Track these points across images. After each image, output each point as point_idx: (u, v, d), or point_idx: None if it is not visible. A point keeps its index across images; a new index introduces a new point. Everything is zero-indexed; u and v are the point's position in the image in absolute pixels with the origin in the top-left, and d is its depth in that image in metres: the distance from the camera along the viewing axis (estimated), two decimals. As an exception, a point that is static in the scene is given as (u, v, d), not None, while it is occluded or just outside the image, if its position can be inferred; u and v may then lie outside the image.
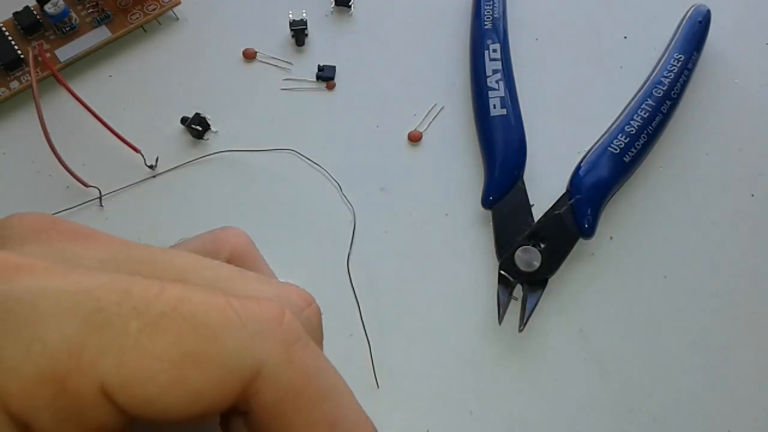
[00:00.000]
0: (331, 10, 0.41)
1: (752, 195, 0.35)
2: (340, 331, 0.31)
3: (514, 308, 0.32)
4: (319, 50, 0.39)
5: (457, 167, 0.36)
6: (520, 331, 0.32)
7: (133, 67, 0.39)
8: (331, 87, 0.38)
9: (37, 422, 0.15)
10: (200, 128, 0.36)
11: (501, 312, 0.32)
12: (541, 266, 0.32)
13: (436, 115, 0.38)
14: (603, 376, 0.31)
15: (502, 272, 0.32)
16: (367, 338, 0.31)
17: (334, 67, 0.39)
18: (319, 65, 0.38)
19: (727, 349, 0.32)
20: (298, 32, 0.39)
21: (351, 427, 0.18)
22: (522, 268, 0.32)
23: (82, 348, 0.15)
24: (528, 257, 0.32)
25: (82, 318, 0.15)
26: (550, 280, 0.32)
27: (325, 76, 0.38)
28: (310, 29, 0.40)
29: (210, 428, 0.21)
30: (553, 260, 0.32)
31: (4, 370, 0.15)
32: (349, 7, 0.40)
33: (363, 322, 0.31)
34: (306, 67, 0.39)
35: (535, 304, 0.32)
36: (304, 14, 0.39)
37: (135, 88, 0.38)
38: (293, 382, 0.17)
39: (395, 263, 0.34)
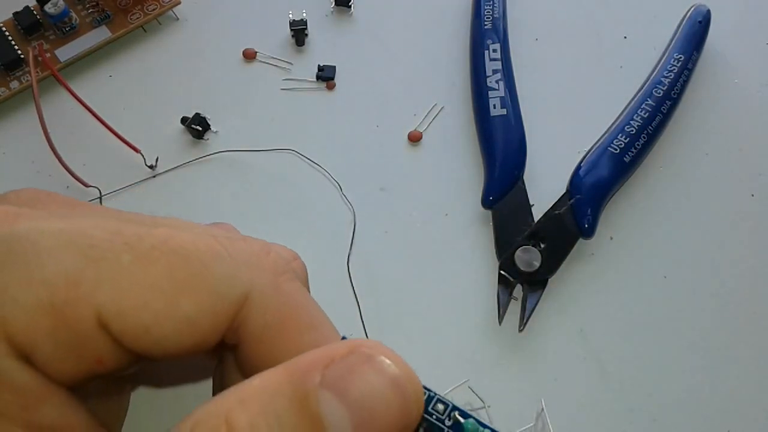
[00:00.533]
0: (331, 10, 0.41)
1: (752, 195, 0.35)
2: (340, 330, 0.31)
3: (514, 308, 0.32)
4: (319, 50, 0.39)
5: (457, 167, 0.36)
6: (520, 331, 0.32)
7: (133, 67, 0.39)
8: (331, 87, 0.38)
9: (38, 351, 0.15)
10: (200, 128, 0.36)
11: (501, 312, 0.32)
12: (541, 266, 0.32)
13: (436, 115, 0.38)
14: (603, 376, 0.31)
15: (502, 272, 0.32)
16: (367, 338, 0.31)
17: (334, 67, 0.39)
18: (319, 65, 0.38)
19: (727, 349, 0.32)
20: (298, 32, 0.39)
21: (329, 349, 0.17)
22: (522, 268, 0.32)
23: (79, 279, 0.16)
24: (528, 257, 0.32)
25: (78, 252, 0.16)
26: (550, 280, 0.32)
27: (325, 76, 0.38)
28: (310, 29, 0.40)
29: (202, 371, 0.22)
30: (553, 260, 0.32)
31: (8, 301, 0.15)
32: (349, 7, 0.40)
33: (363, 322, 0.31)
34: (306, 67, 0.39)
35: (535, 304, 0.32)
36: (304, 14, 0.39)
37: (135, 88, 0.38)
38: (280, 309, 0.17)
39: (395, 263, 0.34)
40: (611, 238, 0.34)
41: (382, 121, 0.37)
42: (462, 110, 0.38)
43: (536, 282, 0.32)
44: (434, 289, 0.33)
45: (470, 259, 0.34)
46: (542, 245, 0.33)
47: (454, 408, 0.18)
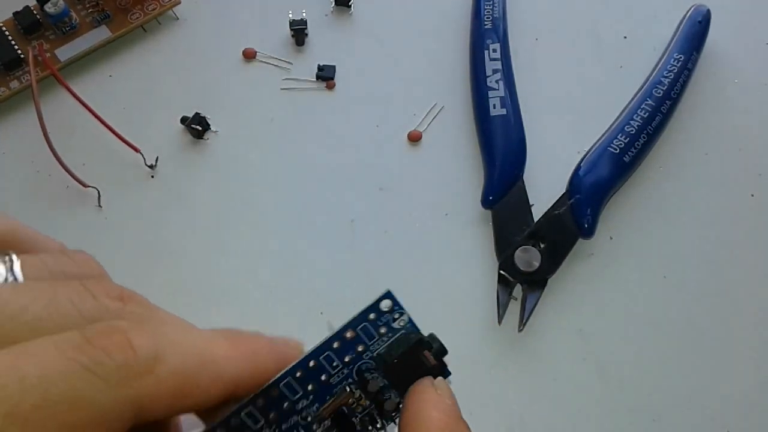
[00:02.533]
0: (331, 10, 0.41)
1: (752, 195, 0.35)
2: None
3: (514, 308, 0.32)
4: (319, 50, 0.39)
5: (457, 167, 0.36)
6: (520, 331, 0.31)
7: (133, 67, 0.39)
8: (331, 87, 0.38)
9: None
10: (200, 128, 0.36)
11: (501, 312, 0.32)
12: (540, 266, 0.32)
13: (436, 115, 0.38)
14: (602, 376, 0.31)
15: (501, 272, 0.32)
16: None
17: (334, 66, 0.39)
18: (318, 65, 0.38)
19: (727, 349, 0.32)
20: (298, 32, 0.39)
21: (232, 367, 0.19)
22: (522, 268, 0.32)
23: None
24: (528, 257, 0.32)
25: None
26: (549, 280, 0.32)
27: (325, 75, 0.38)
28: (310, 29, 0.40)
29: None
30: (552, 260, 0.32)
31: None
32: (349, 7, 0.40)
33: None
34: (306, 66, 0.39)
35: (535, 304, 0.32)
36: (304, 14, 0.39)
37: (135, 88, 0.38)
38: (172, 389, 0.18)
39: (395, 263, 0.34)
40: (611, 238, 0.34)
41: (382, 120, 0.37)
42: (462, 110, 0.38)
43: (536, 282, 0.32)
44: (434, 289, 0.33)
45: (470, 258, 0.34)
46: (542, 245, 0.32)
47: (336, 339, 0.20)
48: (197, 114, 0.36)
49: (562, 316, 0.32)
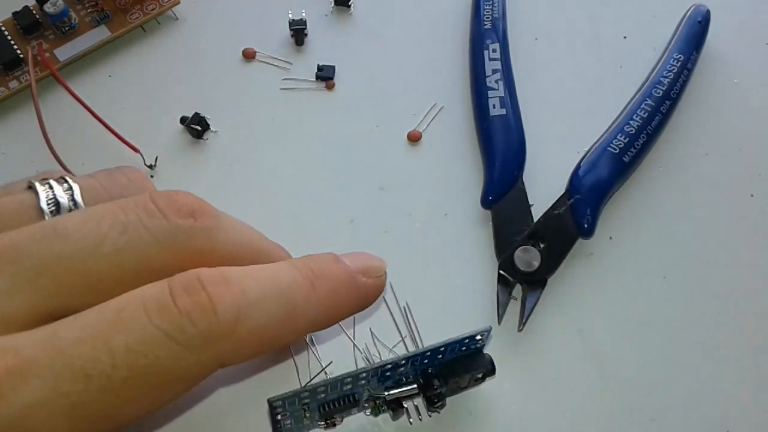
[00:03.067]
0: (331, 9, 0.41)
1: (752, 195, 0.35)
2: (339, 331, 0.31)
3: (514, 308, 0.32)
4: (319, 50, 0.39)
5: (456, 167, 0.36)
6: (520, 330, 0.31)
7: (133, 67, 0.39)
8: (330, 87, 0.38)
9: None
10: (200, 128, 0.36)
11: (500, 312, 0.32)
12: (540, 266, 0.32)
13: (435, 115, 0.38)
14: (602, 376, 0.31)
15: (501, 272, 0.32)
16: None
17: (334, 66, 0.39)
18: (318, 65, 0.38)
19: (727, 349, 0.31)
20: (298, 32, 0.39)
21: (314, 310, 0.20)
22: (522, 268, 0.32)
23: None
24: (528, 257, 0.32)
25: (67, 419, 0.16)
26: (549, 280, 0.32)
27: (325, 75, 0.38)
28: (310, 29, 0.40)
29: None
30: (552, 260, 0.32)
31: None
32: (349, 7, 0.40)
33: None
34: (305, 66, 0.39)
35: (535, 304, 0.32)
36: (304, 14, 0.39)
37: (134, 88, 0.38)
38: (253, 345, 0.18)
39: (395, 263, 0.33)
40: (611, 238, 0.34)
41: (382, 120, 0.37)
42: (462, 110, 0.38)
43: (535, 282, 0.32)
44: (434, 289, 0.33)
45: (470, 258, 0.34)
46: (542, 245, 0.32)
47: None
48: (197, 114, 0.36)
49: (562, 316, 0.32)
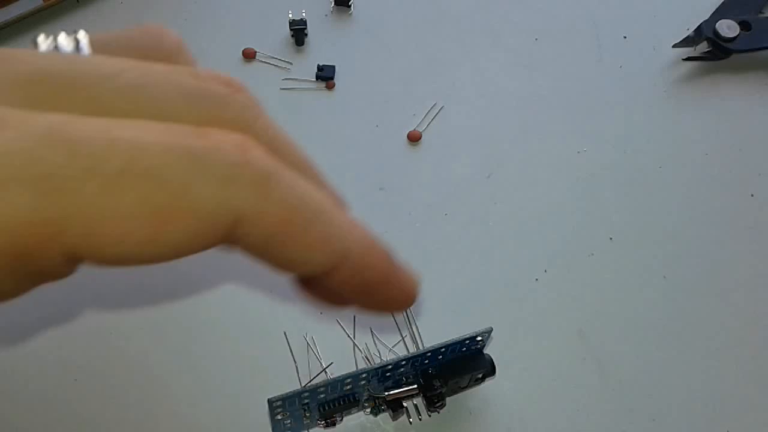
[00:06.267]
0: (331, 10, 0.41)
1: (752, 195, 0.35)
2: (339, 331, 0.31)
3: (512, 307, 0.32)
4: (319, 50, 0.39)
5: (456, 167, 0.36)
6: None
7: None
8: (330, 87, 0.38)
9: None
10: (200, 128, 0.36)
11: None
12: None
13: (435, 115, 0.37)
14: (603, 376, 0.31)
15: (501, 272, 0.32)
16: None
17: (334, 66, 0.39)
18: (318, 65, 0.38)
19: (727, 349, 0.31)
20: (298, 32, 0.39)
21: (345, 236, 0.18)
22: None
23: (41, 220, 0.13)
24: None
25: (32, 187, 0.13)
26: (548, 279, 0.32)
27: (325, 75, 0.38)
28: (310, 29, 0.40)
29: None
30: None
31: None
32: (349, 7, 0.40)
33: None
34: (305, 66, 0.39)
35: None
36: (304, 14, 0.39)
37: (134, 88, 0.38)
38: (277, 218, 0.16)
39: (395, 263, 0.34)
40: (611, 239, 0.34)
41: (382, 120, 0.37)
42: (462, 110, 0.38)
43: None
44: (433, 289, 0.33)
45: (470, 258, 0.34)
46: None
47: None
48: (197, 114, 0.36)
49: (562, 316, 0.32)
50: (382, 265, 0.20)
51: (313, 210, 0.17)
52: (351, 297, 0.20)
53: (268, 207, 0.16)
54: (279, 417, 0.26)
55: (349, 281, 0.19)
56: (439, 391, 0.27)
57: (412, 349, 0.29)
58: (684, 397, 0.30)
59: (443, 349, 0.27)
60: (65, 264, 0.14)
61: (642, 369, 0.31)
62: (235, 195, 0.15)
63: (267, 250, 0.16)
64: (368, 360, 0.30)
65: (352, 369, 0.26)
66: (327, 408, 0.27)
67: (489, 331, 0.27)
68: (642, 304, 0.33)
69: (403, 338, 0.31)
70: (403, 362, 0.26)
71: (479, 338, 0.27)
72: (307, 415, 0.27)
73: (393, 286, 0.21)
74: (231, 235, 0.16)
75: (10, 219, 0.13)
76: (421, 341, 0.30)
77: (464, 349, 0.28)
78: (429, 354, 0.26)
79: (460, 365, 0.28)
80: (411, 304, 0.21)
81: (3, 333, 0.31)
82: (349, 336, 0.30)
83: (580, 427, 0.30)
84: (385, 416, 0.29)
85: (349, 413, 0.29)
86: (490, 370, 0.28)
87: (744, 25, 0.38)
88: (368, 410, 0.29)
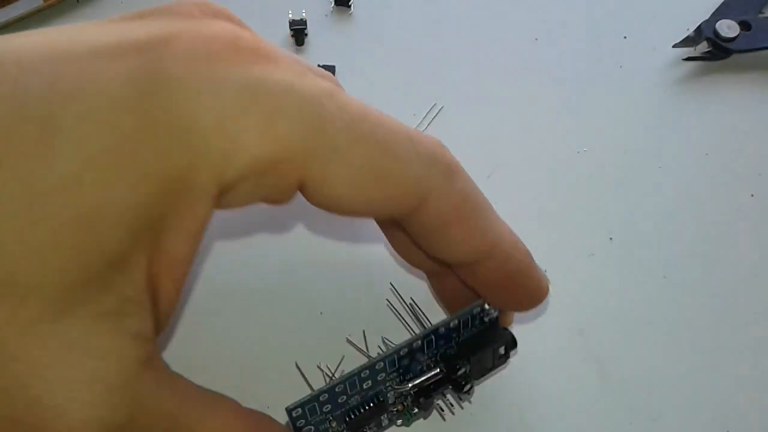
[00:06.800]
0: (331, 10, 0.41)
1: (752, 195, 0.35)
2: (339, 332, 0.31)
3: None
4: (319, 50, 0.39)
5: (456, 167, 0.36)
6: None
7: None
8: (330, 87, 0.38)
9: (238, 189, 0.18)
10: (200, 128, 0.36)
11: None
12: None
13: (436, 115, 0.38)
14: (603, 376, 0.31)
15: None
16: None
17: (334, 67, 0.39)
18: (318, 65, 0.38)
19: (727, 349, 0.31)
20: (298, 32, 0.39)
21: (499, 229, 0.22)
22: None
23: (300, 149, 0.17)
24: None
25: (309, 123, 0.18)
26: (550, 280, 0.32)
27: (325, 75, 0.38)
28: (310, 29, 0.40)
29: None
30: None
31: (240, 144, 0.17)
32: (349, 7, 0.40)
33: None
34: (306, 66, 0.39)
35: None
36: (304, 14, 0.39)
37: (134, 88, 0.38)
38: (453, 203, 0.20)
39: (395, 263, 0.34)
40: (611, 239, 0.34)
41: (382, 121, 0.37)
42: (462, 110, 0.38)
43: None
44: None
45: (470, 259, 0.34)
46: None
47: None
48: (197, 114, 0.36)
49: (563, 316, 0.32)
50: (524, 260, 0.23)
51: (479, 203, 0.21)
52: (492, 288, 0.23)
53: (450, 191, 0.20)
54: (301, 427, 0.23)
55: (495, 271, 0.22)
56: (464, 371, 0.26)
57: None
58: (684, 397, 0.30)
59: (456, 323, 0.25)
60: (290, 191, 0.18)
61: (642, 369, 0.31)
62: (432, 175, 0.19)
63: (437, 229, 0.20)
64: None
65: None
66: (354, 415, 0.25)
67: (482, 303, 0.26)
68: (642, 304, 0.33)
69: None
70: (419, 342, 0.25)
71: (487, 306, 0.26)
72: (333, 426, 0.24)
73: (531, 281, 0.24)
74: (415, 210, 0.19)
75: (278, 142, 0.17)
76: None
77: (477, 322, 0.27)
78: (443, 331, 0.25)
79: (478, 340, 0.27)
80: (542, 299, 0.25)
81: None
82: (360, 349, 0.30)
83: (580, 427, 0.30)
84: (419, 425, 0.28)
85: (380, 425, 0.26)
86: (511, 342, 0.27)
87: (744, 25, 0.38)
88: (399, 420, 0.27)
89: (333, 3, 0.40)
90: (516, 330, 0.32)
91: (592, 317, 0.32)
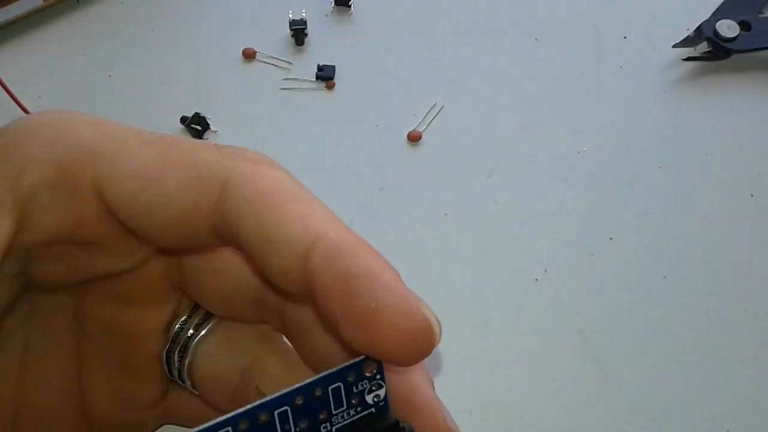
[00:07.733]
0: (331, 9, 0.41)
1: (752, 195, 0.35)
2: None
3: (514, 306, 0.32)
4: (319, 50, 0.39)
5: (456, 167, 0.36)
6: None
7: (133, 67, 0.39)
8: (330, 87, 0.38)
9: (38, 199, 0.18)
10: (200, 128, 0.36)
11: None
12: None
13: (435, 115, 0.37)
14: (603, 376, 0.31)
15: (501, 272, 0.32)
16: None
17: (334, 66, 0.39)
18: (318, 65, 0.38)
19: (727, 349, 0.31)
20: (298, 32, 0.39)
21: (324, 219, 0.18)
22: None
23: (87, 148, 0.18)
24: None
25: (94, 130, 0.18)
26: (548, 279, 0.32)
27: (325, 75, 0.38)
28: (310, 29, 0.40)
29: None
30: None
31: (26, 158, 0.17)
32: (349, 6, 0.40)
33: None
34: (305, 66, 0.39)
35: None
36: (304, 14, 0.39)
37: (135, 88, 0.38)
38: (260, 186, 0.18)
39: (394, 264, 0.33)
40: (611, 239, 0.34)
41: (382, 120, 0.37)
42: (462, 110, 0.38)
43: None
44: (433, 289, 0.33)
45: (470, 259, 0.34)
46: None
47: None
48: (197, 114, 0.36)
49: (562, 316, 0.32)
50: (365, 255, 0.17)
51: (292, 190, 0.18)
52: (326, 307, 0.16)
53: (254, 178, 0.18)
54: None
55: (324, 275, 0.16)
56: None
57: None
58: (684, 397, 0.30)
59: (322, 393, 0.17)
60: (92, 195, 0.18)
61: (642, 369, 0.31)
62: (229, 163, 0.18)
63: (247, 218, 0.18)
64: None
65: None
66: None
67: (374, 360, 0.17)
68: (642, 304, 0.33)
69: None
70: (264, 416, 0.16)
71: (365, 370, 0.17)
72: None
73: (380, 290, 0.16)
74: (218, 201, 0.18)
75: (63, 146, 0.18)
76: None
77: (355, 400, 0.17)
78: (300, 402, 0.16)
79: (360, 425, 0.18)
80: (426, 338, 0.16)
81: None
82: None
83: (580, 427, 0.30)
84: None
85: None
86: None
87: (744, 25, 0.38)
88: None
89: (333, 3, 0.40)
90: (516, 330, 0.32)
91: (592, 317, 0.32)
